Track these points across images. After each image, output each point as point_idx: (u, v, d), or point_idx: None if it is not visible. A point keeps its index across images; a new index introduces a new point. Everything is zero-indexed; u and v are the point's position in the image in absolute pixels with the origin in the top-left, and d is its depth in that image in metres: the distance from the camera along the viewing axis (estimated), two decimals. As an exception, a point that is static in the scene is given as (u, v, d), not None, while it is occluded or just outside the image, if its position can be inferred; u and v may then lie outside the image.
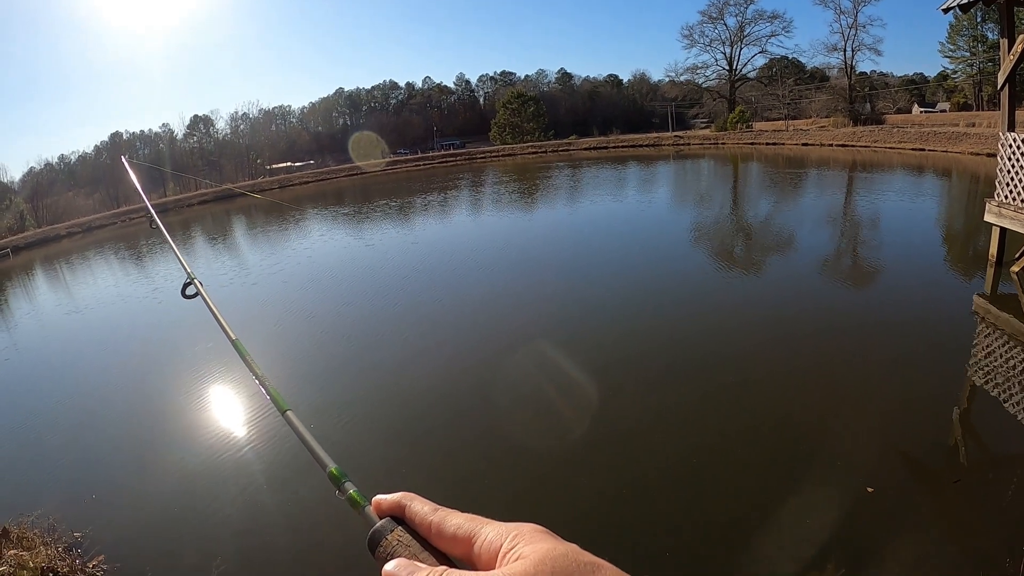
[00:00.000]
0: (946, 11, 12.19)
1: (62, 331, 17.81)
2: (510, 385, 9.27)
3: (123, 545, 6.01)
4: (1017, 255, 12.37)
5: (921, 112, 72.51)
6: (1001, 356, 9.20)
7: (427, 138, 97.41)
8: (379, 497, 0.70)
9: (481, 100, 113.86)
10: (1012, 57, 11.35)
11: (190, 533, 6.25)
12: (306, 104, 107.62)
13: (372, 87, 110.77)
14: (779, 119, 72.18)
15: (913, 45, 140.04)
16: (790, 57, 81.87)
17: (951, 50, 73.71)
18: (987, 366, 8.93)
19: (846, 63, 70.75)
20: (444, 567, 0.61)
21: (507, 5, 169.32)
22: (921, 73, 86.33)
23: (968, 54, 71.22)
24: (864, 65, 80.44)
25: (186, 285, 1.99)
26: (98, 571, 5.56)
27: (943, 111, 70.87)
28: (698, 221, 23.94)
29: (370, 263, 20.11)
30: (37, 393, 12.13)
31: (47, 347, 16.19)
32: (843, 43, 69.92)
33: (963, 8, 11.69)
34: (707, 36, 79.63)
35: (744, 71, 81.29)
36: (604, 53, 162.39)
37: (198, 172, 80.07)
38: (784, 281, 14.32)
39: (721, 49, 79.76)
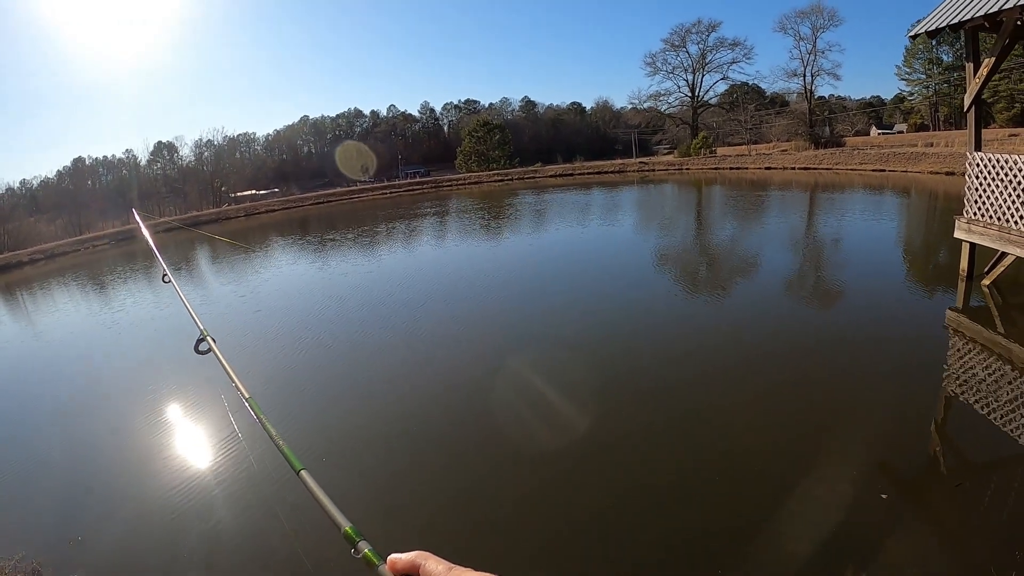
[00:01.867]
0: (914, 37, 12.51)
1: (40, 356, 17.22)
2: (480, 410, 9.15)
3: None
4: (987, 268, 12.65)
5: (879, 134, 74.76)
6: (976, 366, 9.34)
7: (392, 166, 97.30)
8: (394, 556, 0.71)
9: (446, 128, 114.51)
10: (978, 80, 11.66)
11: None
12: (271, 131, 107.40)
13: (337, 115, 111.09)
14: (741, 144, 73.77)
15: (870, 69, 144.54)
16: (751, 83, 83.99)
17: (907, 73, 76.63)
18: (962, 377, 9.07)
19: (806, 88, 72.75)
20: None
21: (471, 35, 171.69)
22: (878, 96, 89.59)
23: (924, 76, 73.93)
24: (823, 89, 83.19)
25: (199, 341, 2.01)
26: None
27: (901, 132, 73.25)
28: (670, 243, 24.06)
29: (337, 292, 19.68)
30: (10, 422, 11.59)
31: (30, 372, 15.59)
32: (803, 68, 72.11)
33: (931, 35, 11.99)
34: (670, 63, 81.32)
35: (706, 97, 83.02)
36: (567, 81, 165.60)
37: (161, 200, 79.07)
38: (759, 301, 14.33)
39: (683, 76, 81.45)
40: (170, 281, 2.51)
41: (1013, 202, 11.13)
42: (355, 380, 11.38)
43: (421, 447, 8.17)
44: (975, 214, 12.31)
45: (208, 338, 1.95)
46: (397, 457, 7.95)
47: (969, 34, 11.84)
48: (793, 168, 49.98)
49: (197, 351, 1.97)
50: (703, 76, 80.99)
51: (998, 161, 11.46)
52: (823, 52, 70.66)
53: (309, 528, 5.82)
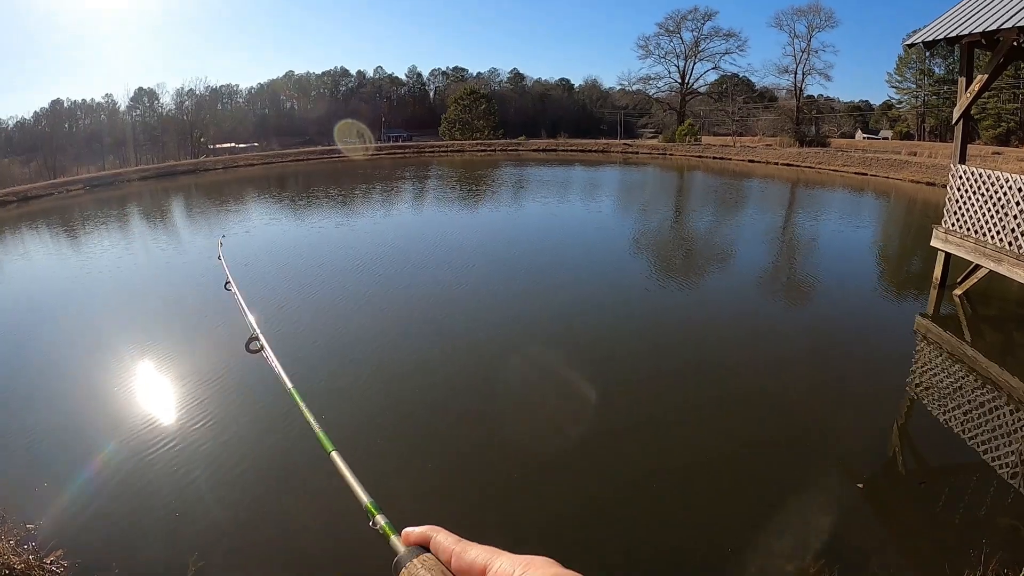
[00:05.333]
0: (910, 46, 12.68)
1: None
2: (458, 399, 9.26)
3: (83, 537, 5.64)
4: (960, 279, 12.97)
5: (864, 138, 75.41)
6: (941, 372, 9.71)
7: (375, 128, 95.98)
8: (408, 529, 0.77)
9: (432, 94, 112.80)
10: (969, 95, 11.88)
11: (157, 527, 5.89)
12: (254, 85, 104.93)
13: (322, 72, 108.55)
14: (727, 135, 73.87)
15: (862, 73, 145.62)
16: (741, 75, 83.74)
17: (898, 81, 77.27)
18: (927, 382, 9.43)
19: (796, 85, 73.05)
20: None
21: (463, 2, 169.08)
22: (867, 101, 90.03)
23: (914, 86, 74.66)
24: (813, 88, 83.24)
25: (251, 340, 2.08)
26: (57, 567, 5.14)
27: (886, 138, 73.90)
28: (651, 231, 24.09)
29: (308, 251, 19.50)
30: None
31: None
32: (795, 66, 72.30)
33: (927, 45, 12.16)
34: (662, 48, 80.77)
35: (696, 85, 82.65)
36: (557, 56, 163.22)
37: (139, 147, 77.35)
38: (733, 299, 14.27)
39: (675, 62, 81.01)
40: (232, 291, 2.55)
41: (991, 217, 11.41)
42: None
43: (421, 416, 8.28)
44: (953, 225, 12.60)
45: (260, 338, 2.03)
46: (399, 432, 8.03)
47: (965, 49, 12.06)
48: (776, 163, 50.26)
49: (248, 350, 2.04)
50: (695, 64, 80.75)
51: (981, 176, 11.73)
52: (816, 52, 70.89)
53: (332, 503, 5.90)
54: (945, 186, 12.97)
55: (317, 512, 5.96)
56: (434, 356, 10.39)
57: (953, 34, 11.23)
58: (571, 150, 66.76)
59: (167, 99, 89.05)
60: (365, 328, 11.91)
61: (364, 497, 0.88)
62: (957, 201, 12.43)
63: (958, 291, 12.94)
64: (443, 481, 6.72)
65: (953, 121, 12.63)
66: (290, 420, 7.32)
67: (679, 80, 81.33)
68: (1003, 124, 64.37)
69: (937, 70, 69.57)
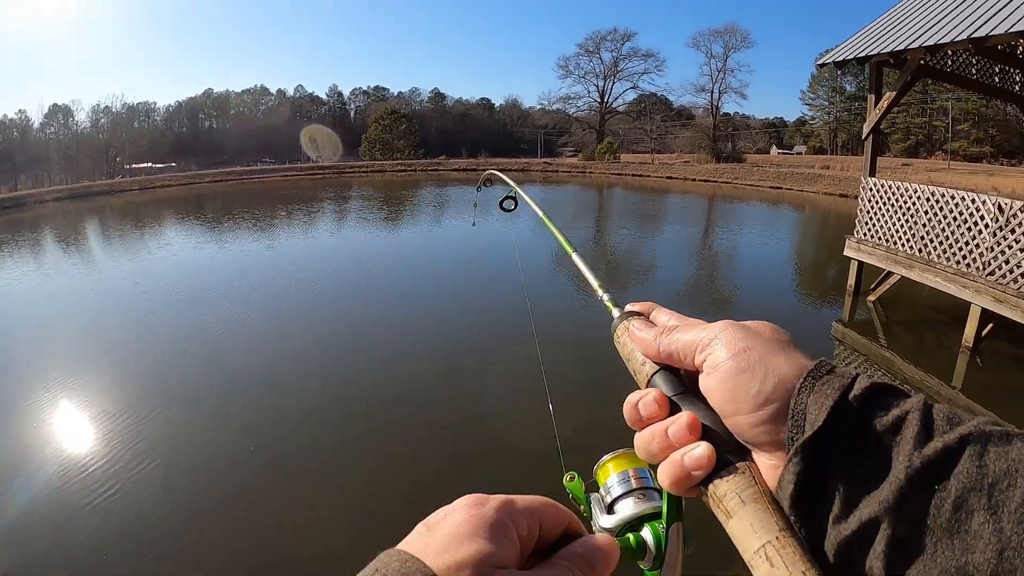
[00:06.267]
0: (822, 66, 13.36)
1: None
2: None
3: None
4: (873, 285, 13.68)
5: (779, 153, 78.89)
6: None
7: (296, 149, 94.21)
8: (632, 303, 0.77)
9: (352, 113, 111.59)
10: (878, 111, 12.57)
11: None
12: (172, 103, 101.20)
13: (242, 91, 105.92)
14: (645, 152, 75.87)
15: (776, 91, 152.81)
16: (660, 94, 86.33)
17: (811, 98, 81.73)
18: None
19: (712, 104, 75.96)
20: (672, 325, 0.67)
21: (384, 21, 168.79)
22: (781, 117, 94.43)
23: (826, 103, 78.96)
24: (729, 106, 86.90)
25: (505, 199, 2.18)
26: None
27: (799, 153, 77.47)
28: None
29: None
30: None
31: None
32: (711, 85, 75.33)
33: (838, 65, 12.86)
34: (582, 68, 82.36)
35: (615, 104, 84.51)
36: (478, 76, 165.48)
37: (52, 167, 73.65)
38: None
39: (594, 82, 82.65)
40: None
41: (901, 226, 12.11)
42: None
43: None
44: (865, 234, 13.29)
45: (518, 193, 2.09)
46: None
47: (874, 68, 12.72)
48: (694, 179, 51.70)
49: (503, 208, 2.18)
50: (614, 83, 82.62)
51: (889, 187, 12.44)
52: (733, 71, 74.10)
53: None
54: (857, 198, 13.66)
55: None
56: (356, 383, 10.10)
57: (863, 54, 11.90)
58: (492, 169, 66.69)
59: (82, 116, 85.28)
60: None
61: (594, 280, 0.93)
62: (868, 212, 13.12)
63: (872, 297, 13.62)
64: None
65: (863, 136, 13.33)
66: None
67: (598, 99, 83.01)
68: (912, 137, 68.71)
69: (849, 87, 73.97)
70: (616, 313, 0.77)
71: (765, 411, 0.53)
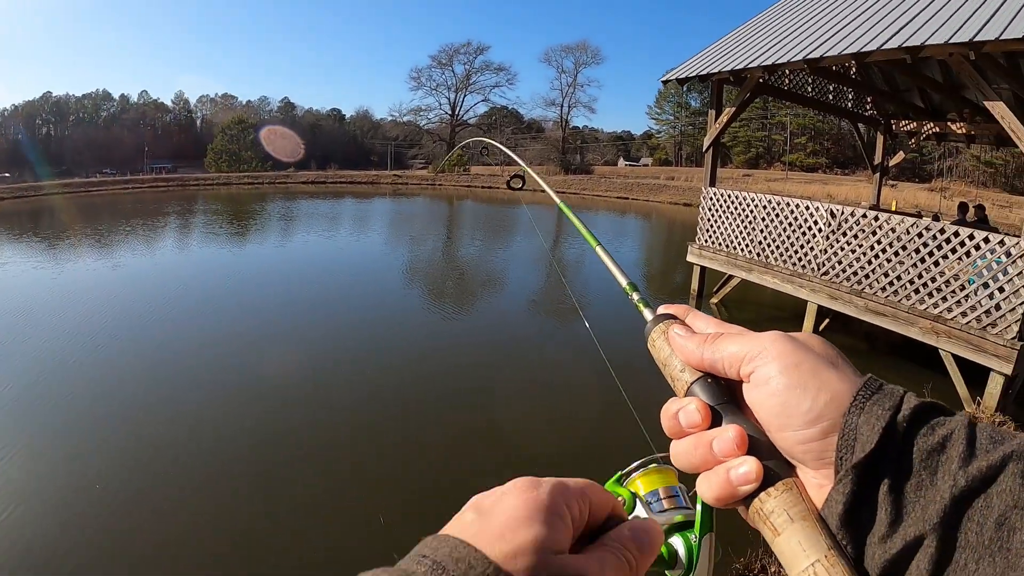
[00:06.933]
0: (666, 82, 14.11)
1: None
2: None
3: None
4: (716, 288, 14.60)
5: (626, 165, 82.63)
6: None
7: (138, 159, 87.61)
8: (666, 305, 0.74)
9: (199, 122, 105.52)
10: (718, 126, 13.43)
11: None
12: (8, 107, 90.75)
13: (83, 95, 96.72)
14: (496, 164, 77.08)
15: (624, 106, 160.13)
16: (511, 107, 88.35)
17: (658, 113, 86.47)
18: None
19: (562, 117, 78.65)
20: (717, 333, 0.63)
21: (230, 23, 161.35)
22: (629, 131, 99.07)
23: (672, 118, 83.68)
24: (578, 120, 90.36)
25: (514, 177, 2.30)
26: None
27: (646, 165, 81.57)
28: (409, 260, 23.41)
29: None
30: None
31: None
32: (561, 99, 77.91)
33: (681, 82, 13.61)
34: (434, 80, 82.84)
35: (466, 117, 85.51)
36: (329, 86, 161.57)
37: None
38: (503, 323, 14.06)
39: (446, 94, 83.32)
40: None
41: (740, 232, 13.01)
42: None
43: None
44: (706, 241, 14.17)
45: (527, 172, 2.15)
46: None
47: (715, 86, 13.58)
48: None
49: (509, 187, 2.27)
50: (465, 96, 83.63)
51: (728, 196, 13.35)
52: (583, 86, 77.47)
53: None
54: (699, 206, 14.53)
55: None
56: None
57: (705, 72, 12.66)
58: (341, 182, 65.34)
59: None
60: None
61: (623, 280, 0.96)
62: (708, 220, 14.00)
63: (714, 299, 14.52)
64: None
65: (704, 149, 14.20)
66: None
67: (450, 112, 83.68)
68: (753, 149, 74.22)
69: (693, 103, 78.70)
70: (648, 315, 0.75)
71: (815, 428, 0.53)
